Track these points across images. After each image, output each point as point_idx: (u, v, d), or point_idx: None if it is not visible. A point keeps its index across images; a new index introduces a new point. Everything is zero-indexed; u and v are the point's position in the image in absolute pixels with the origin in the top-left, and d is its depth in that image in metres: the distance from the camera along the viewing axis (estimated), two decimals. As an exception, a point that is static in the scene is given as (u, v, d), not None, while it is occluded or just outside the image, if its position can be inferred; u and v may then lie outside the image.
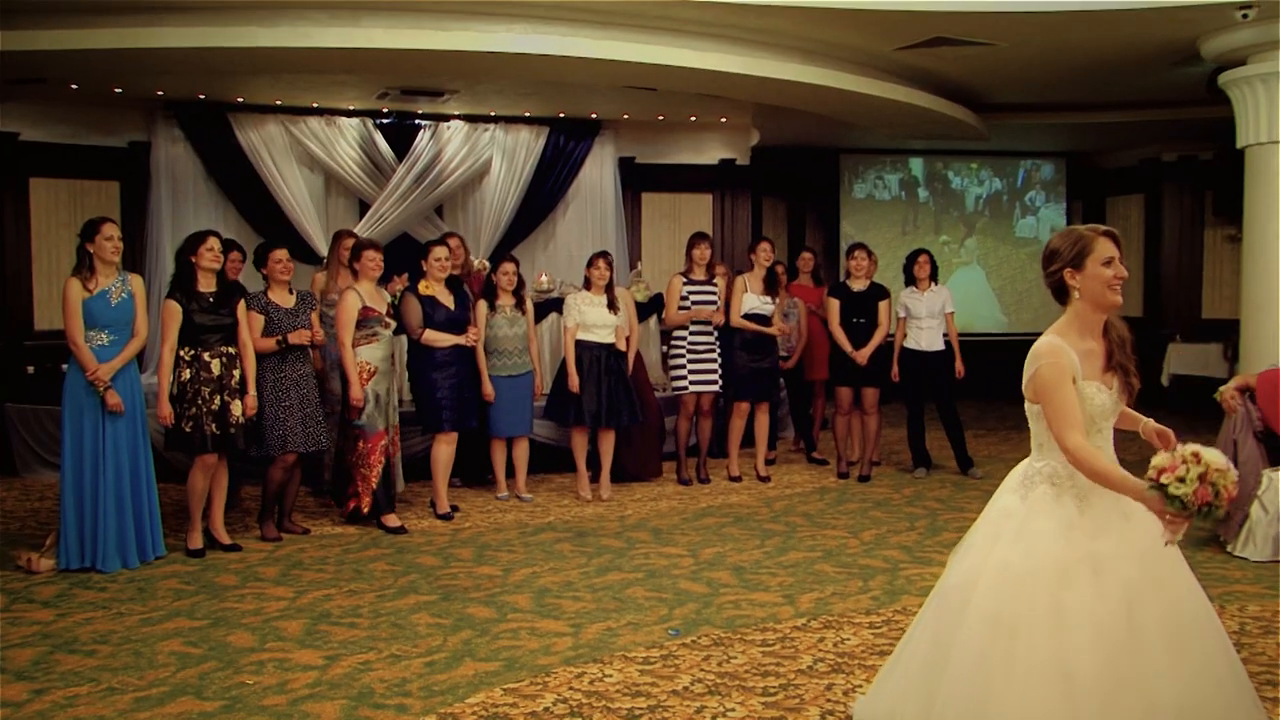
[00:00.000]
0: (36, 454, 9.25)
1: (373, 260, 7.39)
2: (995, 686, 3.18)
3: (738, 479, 8.84)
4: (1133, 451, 3.69)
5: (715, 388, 8.67)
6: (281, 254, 7.13)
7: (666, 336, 10.82)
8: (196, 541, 6.59)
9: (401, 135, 12.34)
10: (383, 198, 12.15)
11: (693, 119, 13.21)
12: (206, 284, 6.57)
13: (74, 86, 10.66)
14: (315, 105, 11.95)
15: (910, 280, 9.06)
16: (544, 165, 12.88)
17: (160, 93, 11.28)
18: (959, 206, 15.26)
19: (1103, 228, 3.39)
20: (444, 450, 7.67)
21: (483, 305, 8.23)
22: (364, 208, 12.36)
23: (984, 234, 15.15)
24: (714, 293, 8.67)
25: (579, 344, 8.19)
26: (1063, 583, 3.18)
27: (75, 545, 6.18)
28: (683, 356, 8.64)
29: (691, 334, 8.63)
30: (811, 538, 7.03)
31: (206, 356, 6.51)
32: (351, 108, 12.10)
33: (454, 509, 7.69)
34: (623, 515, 7.70)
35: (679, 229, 13.92)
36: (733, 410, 8.85)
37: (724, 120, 13.37)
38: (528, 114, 12.72)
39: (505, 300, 8.21)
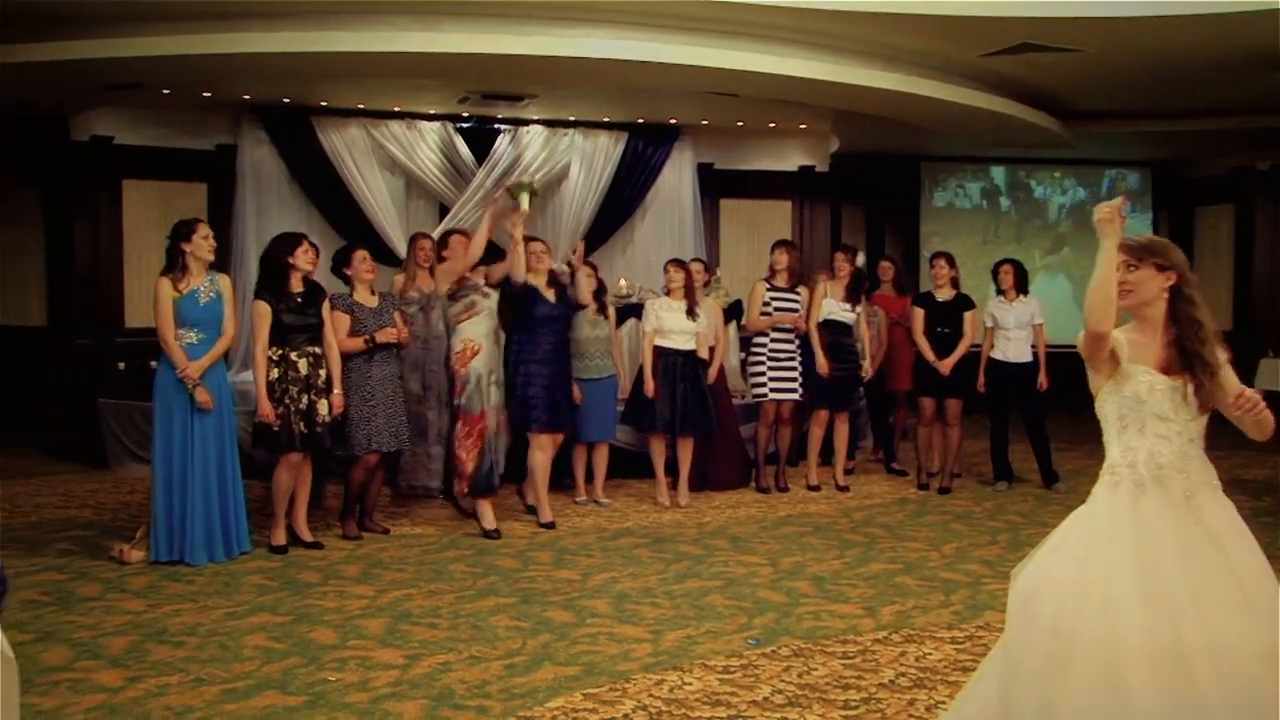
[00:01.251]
0: (127, 448, 9.44)
1: (460, 243, 7.44)
2: (1057, 700, 3.14)
3: (816, 488, 8.76)
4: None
5: (795, 395, 8.58)
6: (365, 254, 7.19)
7: (745, 344, 10.84)
8: (280, 538, 6.68)
9: (481, 139, 12.49)
10: (462, 201, 12.29)
11: (772, 125, 13.16)
12: (296, 285, 6.66)
13: (165, 91, 10.87)
14: (397, 109, 12.11)
15: (998, 290, 8.94)
16: (622, 170, 12.95)
17: (247, 97, 11.49)
18: (1042, 216, 15.04)
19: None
20: (538, 456, 7.53)
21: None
22: (444, 210, 12.51)
23: (1068, 244, 14.91)
24: (796, 300, 8.60)
25: (657, 350, 8.18)
26: (1112, 595, 3.14)
27: (164, 539, 6.29)
28: (763, 363, 8.56)
29: (772, 341, 8.55)
30: (892, 549, 6.95)
31: (294, 356, 6.60)
32: (432, 111, 12.24)
33: (528, 512, 7.69)
34: (701, 522, 7.68)
35: (758, 235, 13.88)
36: (812, 418, 8.78)
37: (803, 126, 13.30)
38: (607, 119, 12.77)
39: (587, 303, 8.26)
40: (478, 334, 7.23)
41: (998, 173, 14.95)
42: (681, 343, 8.15)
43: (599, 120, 12.79)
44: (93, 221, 11.59)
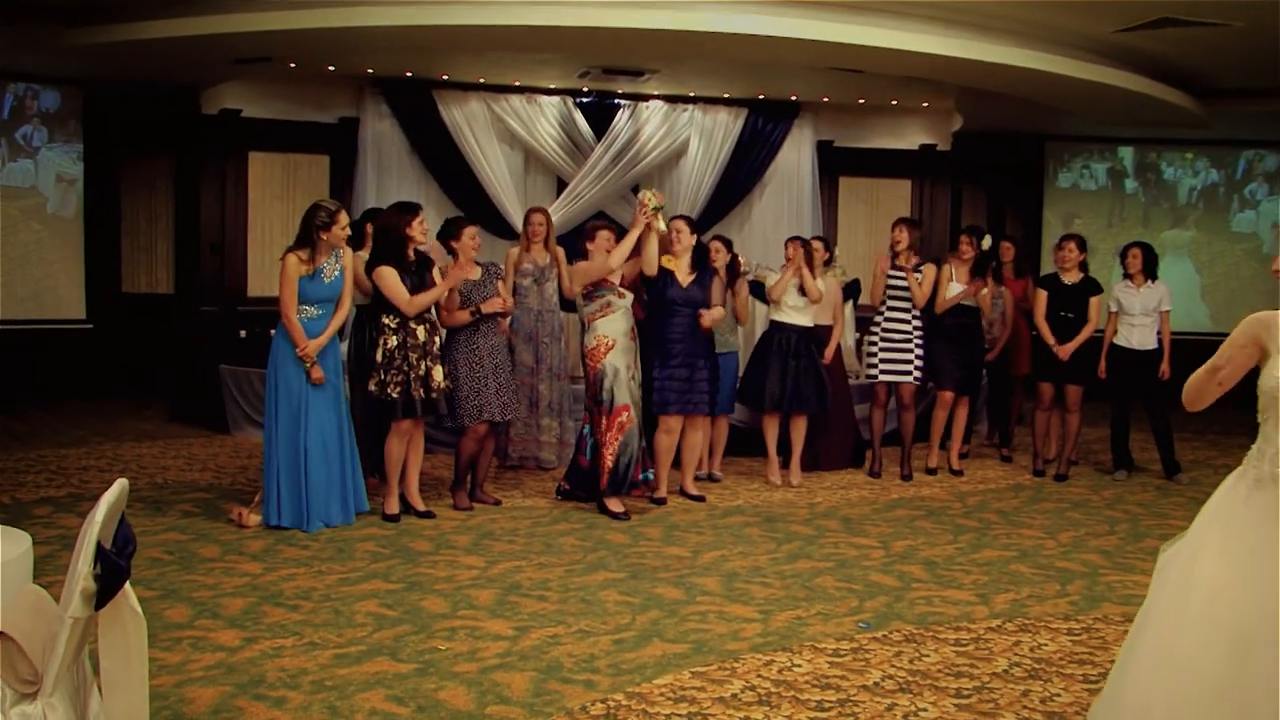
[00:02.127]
0: (246, 414, 9.66)
1: (605, 241, 7.27)
2: (1127, 673, 3.20)
3: (934, 472, 8.58)
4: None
5: (909, 378, 8.33)
6: (474, 230, 7.18)
7: (864, 324, 10.70)
8: (393, 507, 6.76)
9: (600, 114, 12.53)
10: (580, 175, 12.35)
11: (894, 103, 12.98)
12: (409, 254, 6.72)
13: (292, 65, 11.05)
14: (517, 83, 12.18)
15: (1125, 274, 8.66)
16: (741, 147, 12.89)
17: (369, 70, 11.66)
18: (1170, 198, 14.53)
19: None
20: (663, 439, 7.41)
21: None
22: (561, 185, 12.60)
23: (1198, 228, 14.39)
24: (918, 279, 8.37)
25: (772, 325, 8.11)
26: (1190, 582, 3.10)
27: (276, 505, 6.40)
28: (876, 344, 8.39)
29: (886, 321, 8.36)
30: (1006, 536, 6.79)
31: (412, 324, 6.66)
32: (552, 86, 12.30)
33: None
34: (812, 503, 7.59)
35: (877, 214, 13.77)
36: (937, 401, 8.57)
37: (925, 105, 13.09)
38: (726, 95, 12.72)
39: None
40: (613, 330, 7.05)
41: (1125, 153, 14.48)
42: (797, 318, 8.05)
43: (718, 96, 12.75)
44: (219, 192, 11.90)
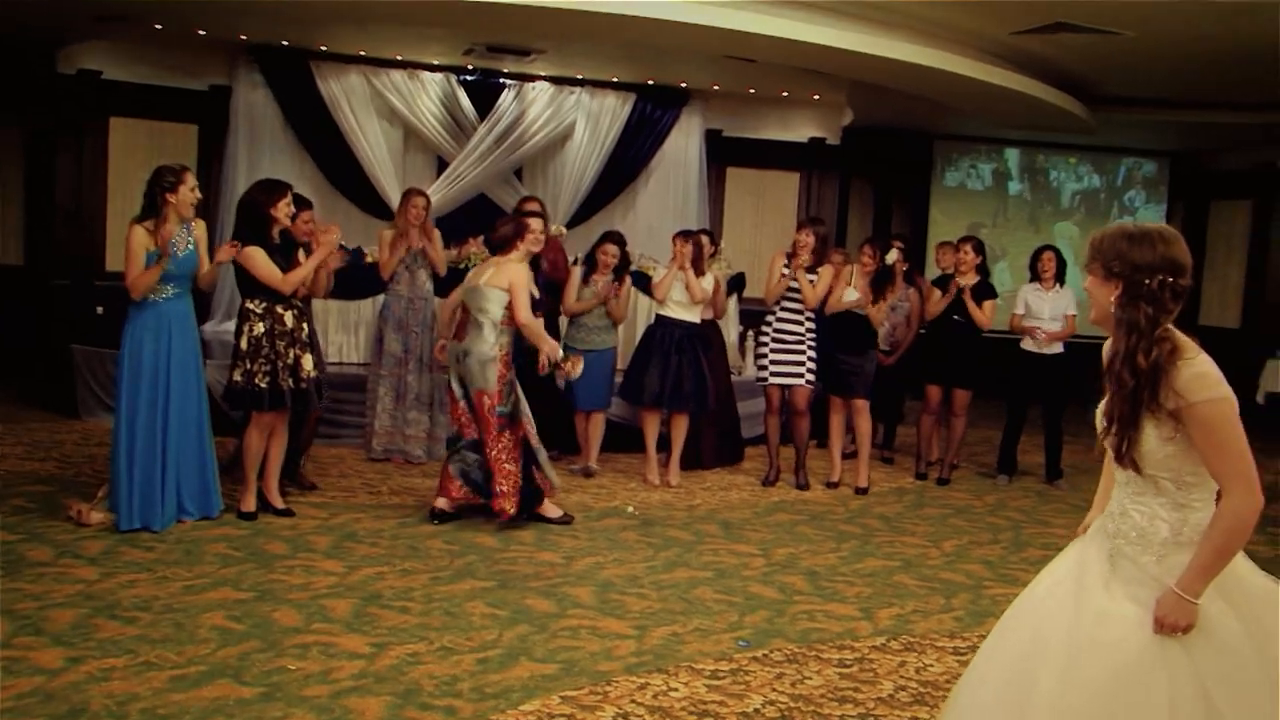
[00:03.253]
0: (99, 398, 9.08)
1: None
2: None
3: (835, 485, 8.14)
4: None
5: (800, 382, 7.96)
6: (309, 214, 6.92)
7: (747, 318, 10.50)
8: (250, 504, 6.34)
9: (485, 94, 12.06)
10: (462, 156, 11.90)
11: (785, 94, 12.77)
12: (273, 235, 6.30)
13: (158, 26, 10.45)
14: (399, 58, 11.70)
15: (1035, 277, 8.58)
16: (629, 132, 12.55)
17: (243, 37, 11.08)
18: (1054, 201, 14.67)
19: None
20: None
21: (576, 272, 8.01)
22: (442, 165, 12.12)
23: (1080, 230, 14.53)
24: (813, 282, 7.94)
25: (657, 320, 7.86)
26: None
27: (127, 503, 5.92)
28: (767, 345, 8.08)
29: (778, 321, 8.04)
30: (889, 544, 6.64)
31: (279, 309, 6.24)
32: (436, 63, 11.84)
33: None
34: (691, 504, 7.36)
35: (763, 206, 13.61)
36: (830, 406, 8.18)
37: (816, 97, 12.91)
38: (615, 79, 12.38)
39: (602, 277, 7.92)
40: (512, 337, 6.65)
41: (1011, 155, 14.58)
42: (682, 314, 7.80)
43: (607, 80, 12.38)
44: (76, 159, 11.21)
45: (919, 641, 4.96)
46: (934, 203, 14.40)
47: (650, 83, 12.47)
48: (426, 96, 11.92)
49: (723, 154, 13.25)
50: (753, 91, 12.69)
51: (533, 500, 6.65)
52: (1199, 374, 2.64)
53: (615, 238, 8.13)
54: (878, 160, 13.88)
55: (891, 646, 4.87)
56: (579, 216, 12.11)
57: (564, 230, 10.55)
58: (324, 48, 11.38)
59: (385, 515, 6.60)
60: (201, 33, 10.78)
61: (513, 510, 6.44)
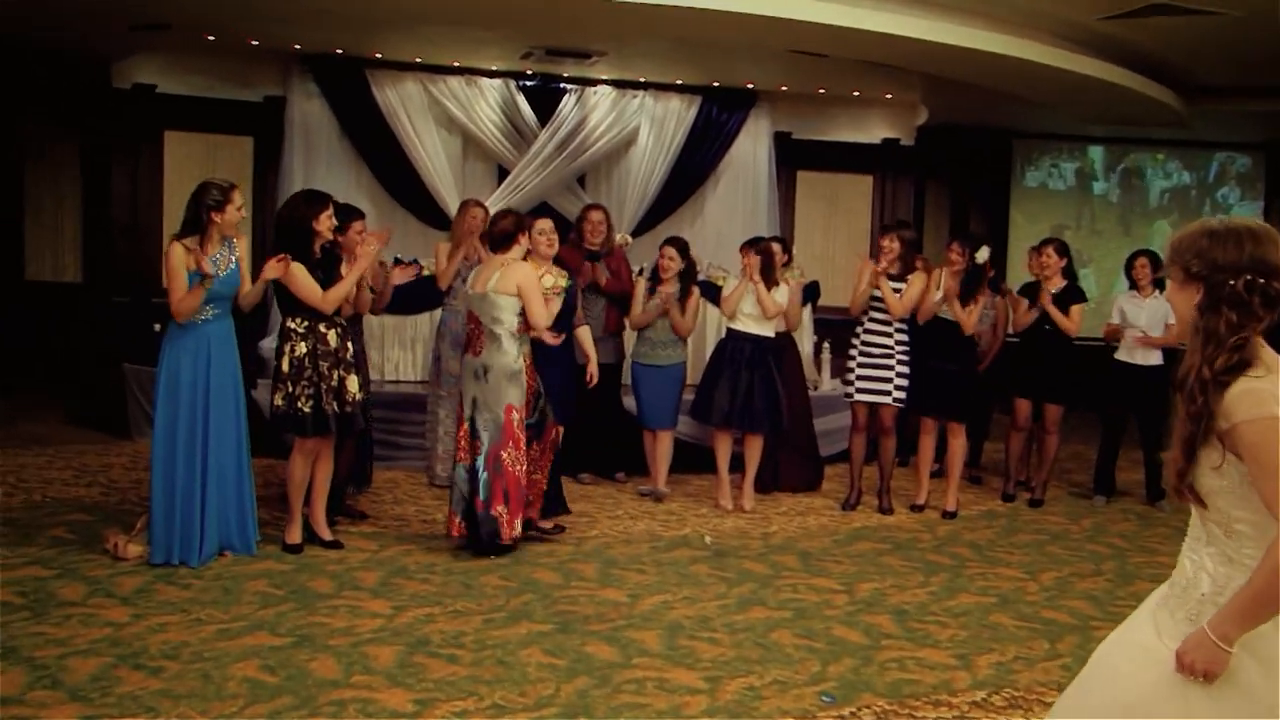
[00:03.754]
0: (150, 417, 8.68)
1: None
2: None
3: (921, 508, 7.58)
4: None
5: (887, 400, 7.37)
6: (361, 224, 6.55)
7: (822, 327, 10.00)
8: (295, 536, 5.97)
9: (545, 99, 11.71)
10: (522, 164, 11.55)
11: (856, 94, 12.28)
12: (315, 250, 5.93)
13: (209, 38, 10.21)
14: (456, 64, 11.39)
15: (1131, 284, 8.01)
16: (694, 136, 12.11)
17: (296, 46, 10.81)
18: (1141, 201, 13.96)
19: None
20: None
21: (642, 285, 7.59)
22: (503, 174, 11.76)
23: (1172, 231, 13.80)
24: (896, 290, 7.36)
25: (727, 334, 7.41)
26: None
27: (164, 537, 5.57)
28: (854, 360, 7.49)
29: (866, 334, 7.45)
30: (982, 576, 6.10)
31: (322, 327, 5.87)
32: (494, 68, 11.51)
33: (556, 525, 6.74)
34: (767, 531, 6.87)
35: (836, 211, 13.16)
36: (921, 427, 7.58)
37: (889, 96, 12.41)
38: (679, 81, 11.96)
39: (668, 288, 7.49)
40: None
41: (1095, 152, 13.90)
42: (753, 328, 7.32)
43: (671, 82, 11.97)
44: (132, 174, 11.02)
45: (1024, 697, 4.43)
46: (1014, 205, 13.77)
47: (716, 85, 12.04)
48: (485, 103, 11.60)
49: (793, 157, 12.79)
50: (823, 91, 12.21)
51: (559, 506, 6.46)
52: (1248, 390, 2.24)
53: (676, 242, 7.70)
54: (954, 161, 13.29)
55: (994, 702, 4.36)
56: (644, 225, 11.70)
57: (629, 239, 10.15)
58: (379, 55, 11.09)
59: (439, 547, 6.19)
60: (254, 43, 10.54)
61: (514, 537, 6.05)
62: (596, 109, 11.80)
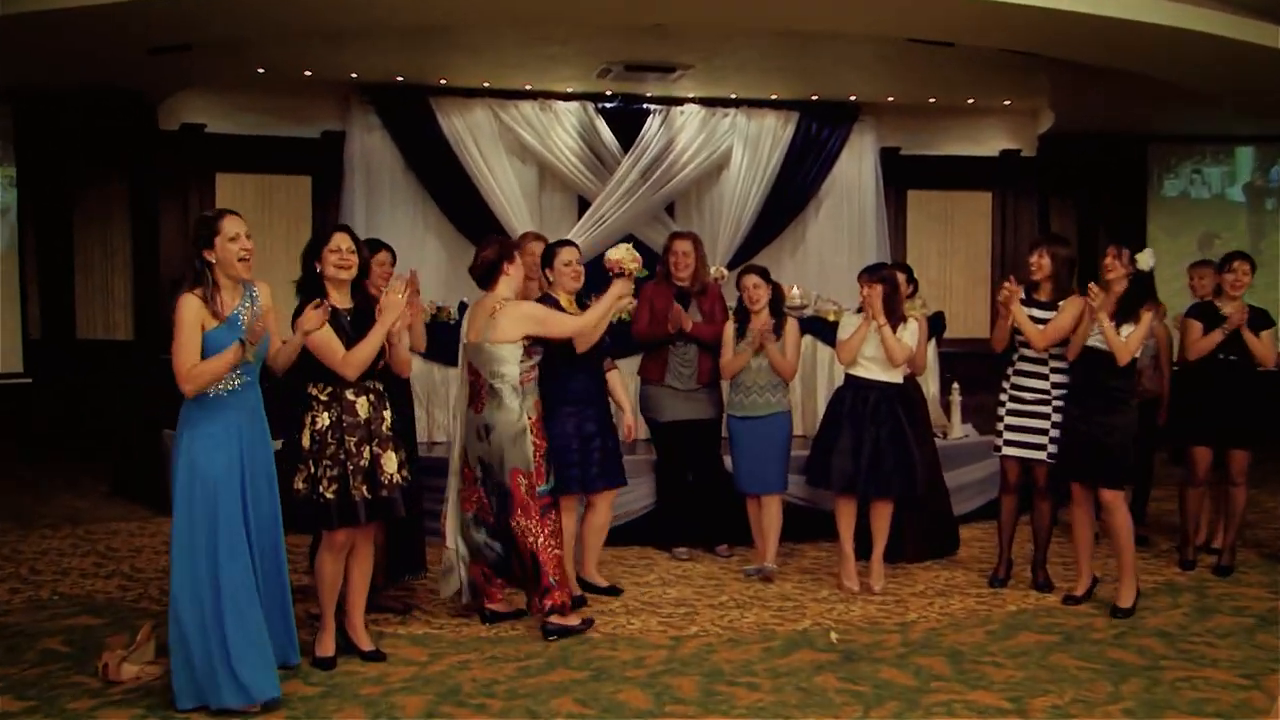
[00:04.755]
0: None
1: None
2: None
3: (1085, 596, 5.97)
4: None
5: (1043, 455, 6.03)
6: (384, 255, 5.80)
7: (953, 368, 8.74)
8: (327, 647, 4.87)
9: (627, 122, 10.89)
10: (605, 193, 10.72)
11: (970, 101, 11.18)
12: (341, 298, 4.86)
13: (260, 70, 9.41)
14: (528, 87, 10.52)
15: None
16: (793, 156, 11.18)
17: (354, 75, 9.98)
18: (1294, 207, 12.48)
19: None
20: (567, 521, 5.79)
21: (730, 327, 6.49)
22: (583, 205, 10.92)
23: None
24: (1035, 320, 6.02)
25: (846, 380, 6.20)
26: None
27: (187, 681, 4.31)
28: (1002, 404, 6.19)
29: (1016, 374, 6.13)
30: (1188, 681, 4.78)
31: (349, 394, 4.80)
32: (569, 90, 10.63)
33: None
34: (904, 621, 5.63)
35: (952, 232, 12.06)
36: (1073, 496, 5.93)
37: (1008, 103, 11.27)
38: (774, 96, 11.02)
39: (761, 322, 6.35)
40: (537, 393, 5.54)
41: (1243, 154, 12.45)
42: (877, 372, 6.10)
43: (764, 98, 11.08)
44: (181, 220, 10.24)
45: None
46: (1152, 218, 12.38)
47: (815, 98, 11.07)
48: (561, 128, 10.76)
49: (902, 174, 11.81)
50: (933, 101, 11.13)
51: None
52: None
53: (757, 270, 6.55)
54: (1082, 171, 11.96)
55: None
56: (740, 256, 10.69)
57: (724, 272, 9.12)
58: (444, 81, 10.29)
59: (503, 657, 5.06)
60: (308, 73, 9.73)
61: (568, 599, 5.36)
62: (684, 130, 10.96)
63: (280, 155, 10.44)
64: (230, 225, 4.44)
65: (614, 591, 6.06)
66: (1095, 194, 12.20)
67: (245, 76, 9.63)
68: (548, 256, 5.82)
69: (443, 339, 7.49)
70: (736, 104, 10.98)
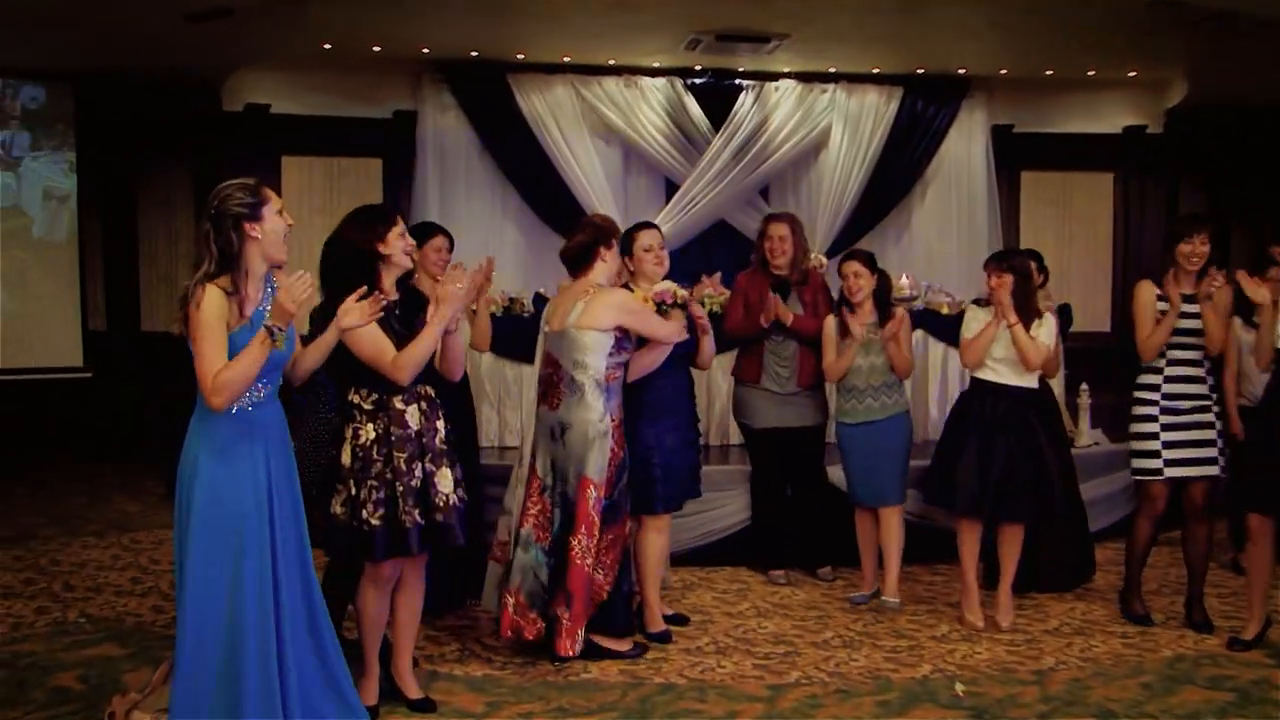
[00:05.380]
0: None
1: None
2: None
3: (1246, 644, 5.03)
4: None
5: (1213, 470, 5.20)
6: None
7: (1080, 367, 7.84)
8: (370, 695, 4.19)
9: (718, 99, 10.10)
10: (694, 176, 9.96)
11: (1091, 73, 10.22)
12: (390, 286, 4.18)
13: (326, 46, 8.82)
14: (611, 62, 9.86)
15: None
16: (896, 136, 10.32)
17: (425, 50, 9.35)
18: None
19: None
20: (659, 541, 5.22)
21: (832, 322, 5.72)
22: (671, 188, 10.15)
23: None
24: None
25: (972, 385, 5.40)
26: None
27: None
28: (1154, 419, 5.25)
29: (1168, 380, 5.25)
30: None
31: (398, 403, 4.13)
32: (656, 64, 9.93)
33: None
34: (1040, 668, 4.81)
35: (1069, 217, 11.18)
36: (1250, 528, 4.99)
37: (1133, 74, 10.29)
38: (877, 70, 10.21)
39: (865, 315, 5.60)
40: (621, 396, 4.88)
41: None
42: (1007, 375, 5.28)
43: (866, 72, 10.20)
44: (245, 206, 9.63)
45: None
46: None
47: (921, 72, 10.24)
48: (648, 106, 10.04)
49: (1015, 154, 10.85)
50: (1050, 73, 10.24)
51: (623, 622, 4.87)
52: None
53: (859, 255, 5.76)
54: (1216, 148, 10.90)
55: None
56: (841, 242, 9.84)
57: (824, 260, 8.45)
58: (521, 56, 9.61)
59: (572, 709, 4.35)
60: (376, 49, 9.11)
61: (575, 651, 4.66)
62: (779, 108, 10.18)
63: (349, 137, 9.83)
64: (275, 197, 3.76)
65: (681, 621, 5.36)
66: (1233, 172, 11.13)
67: (311, 53, 9.03)
68: (626, 242, 5.11)
69: (516, 333, 6.87)
70: (835, 79, 10.17)
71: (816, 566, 6.21)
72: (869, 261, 5.72)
